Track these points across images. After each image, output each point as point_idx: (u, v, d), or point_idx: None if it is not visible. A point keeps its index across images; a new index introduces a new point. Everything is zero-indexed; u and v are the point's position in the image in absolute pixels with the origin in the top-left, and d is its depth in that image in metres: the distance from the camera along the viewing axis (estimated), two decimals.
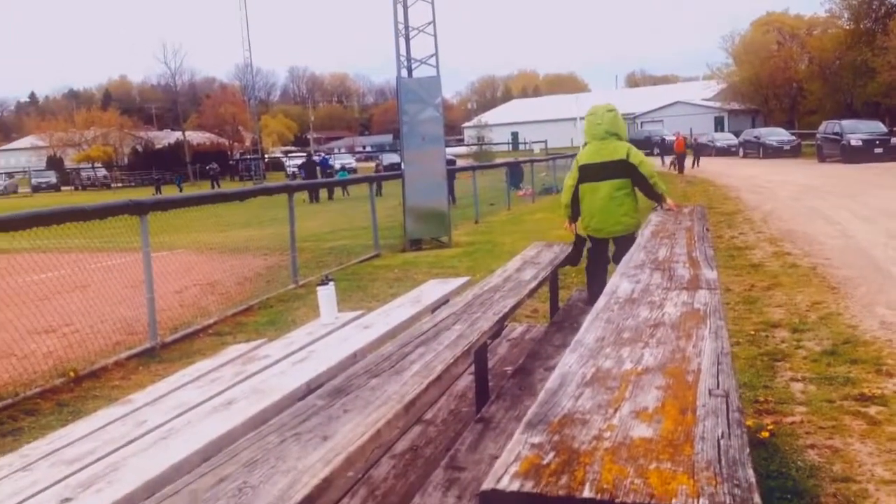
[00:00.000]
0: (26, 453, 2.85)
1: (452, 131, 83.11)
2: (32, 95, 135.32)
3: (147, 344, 6.87)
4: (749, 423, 4.31)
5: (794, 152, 40.10)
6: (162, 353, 6.80)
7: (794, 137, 42.26)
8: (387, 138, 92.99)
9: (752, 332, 6.22)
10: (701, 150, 38.67)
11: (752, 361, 5.48)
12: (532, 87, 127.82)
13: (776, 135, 42.77)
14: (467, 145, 71.50)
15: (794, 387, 4.96)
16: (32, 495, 2.37)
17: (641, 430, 1.32)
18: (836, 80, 48.47)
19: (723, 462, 1.18)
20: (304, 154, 50.52)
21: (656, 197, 5.78)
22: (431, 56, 14.34)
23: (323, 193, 31.78)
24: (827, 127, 34.76)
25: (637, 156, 5.71)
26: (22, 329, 6.98)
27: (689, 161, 35.61)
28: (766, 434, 4.15)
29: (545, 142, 64.51)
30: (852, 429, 4.21)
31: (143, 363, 6.50)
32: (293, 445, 2.01)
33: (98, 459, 2.63)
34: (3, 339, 6.73)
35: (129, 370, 6.32)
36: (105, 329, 7.43)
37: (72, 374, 6.02)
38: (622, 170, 5.64)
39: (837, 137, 32.83)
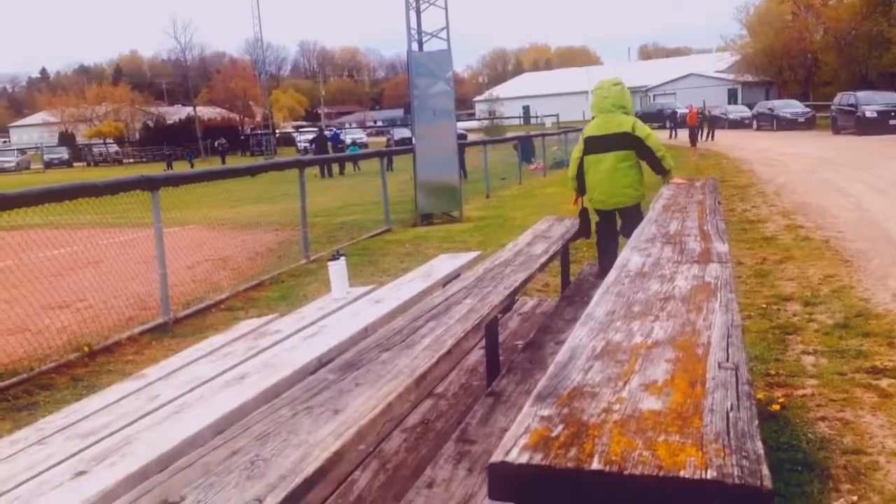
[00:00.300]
0: (42, 427, 2.88)
1: (463, 105, 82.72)
2: (44, 71, 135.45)
3: (160, 319, 6.92)
4: (760, 396, 4.31)
5: (809, 124, 39.71)
6: (174, 328, 6.84)
7: (808, 109, 41.84)
8: (398, 113, 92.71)
9: (764, 306, 6.21)
10: (714, 122, 38.22)
11: (764, 335, 5.47)
12: (543, 61, 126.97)
13: (790, 107, 42.35)
14: (478, 119, 71.19)
15: (805, 360, 4.95)
16: (48, 468, 2.40)
17: (650, 403, 1.32)
18: (852, 51, 47.85)
19: (731, 434, 1.18)
20: (315, 129, 50.41)
21: (663, 171, 5.78)
22: (442, 29, 14.24)
23: (334, 168, 31.74)
24: (842, 98, 34.37)
25: (643, 129, 5.73)
26: (36, 304, 7.04)
27: (703, 134, 35.38)
28: (777, 407, 4.15)
29: (557, 115, 64.11)
30: (863, 401, 4.20)
31: (156, 338, 6.55)
32: (305, 419, 2.02)
33: (112, 433, 2.66)
34: (18, 315, 6.79)
35: (143, 345, 6.36)
36: (118, 304, 7.47)
37: (86, 348, 6.07)
38: (626, 142, 5.64)
39: (852, 109, 32.46)
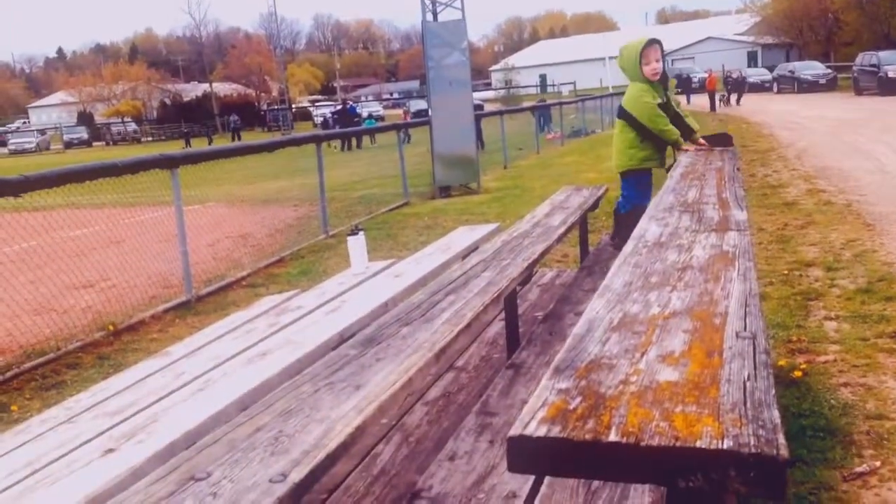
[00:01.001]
0: (70, 406, 2.94)
1: (480, 75, 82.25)
2: (60, 51, 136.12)
3: (182, 297, 6.99)
4: (782, 362, 4.31)
5: (830, 86, 39.14)
6: (197, 305, 6.92)
7: (829, 71, 41.22)
8: (414, 84, 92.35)
9: (786, 272, 6.17)
10: (741, 87, 37.18)
11: (786, 301, 5.44)
12: (560, 28, 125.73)
13: (811, 68, 41.76)
14: (495, 89, 70.77)
15: (827, 325, 4.93)
16: (77, 447, 2.45)
17: (667, 374, 1.33)
18: (873, 10, 46.96)
19: (748, 404, 1.18)
20: (334, 102, 50.28)
21: (665, 141, 5.42)
22: None
23: (351, 142, 31.74)
24: (863, 59, 33.82)
25: (629, 102, 5.45)
26: (60, 284, 7.14)
27: (732, 98, 34.74)
28: (799, 373, 4.14)
29: (574, 83, 63.61)
30: (886, 366, 4.19)
31: (179, 316, 6.63)
32: (327, 395, 2.05)
33: (139, 411, 2.71)
34: (43, 295, 6.89)
35: (166, 323, 6.44)
36: (141, 283, 7.56)
37: (111, 327, 6.15)
38: (623, 111, 5.62)
39: (874, 69, 31.96)
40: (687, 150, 5.28)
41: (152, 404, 2.78)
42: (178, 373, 3.14)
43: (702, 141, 5.44)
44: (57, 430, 2.66)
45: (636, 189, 5.59)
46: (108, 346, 5.89)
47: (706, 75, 36.18)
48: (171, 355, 3.51)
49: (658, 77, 5.34)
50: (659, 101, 5.38)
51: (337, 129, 29.76)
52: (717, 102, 33.09)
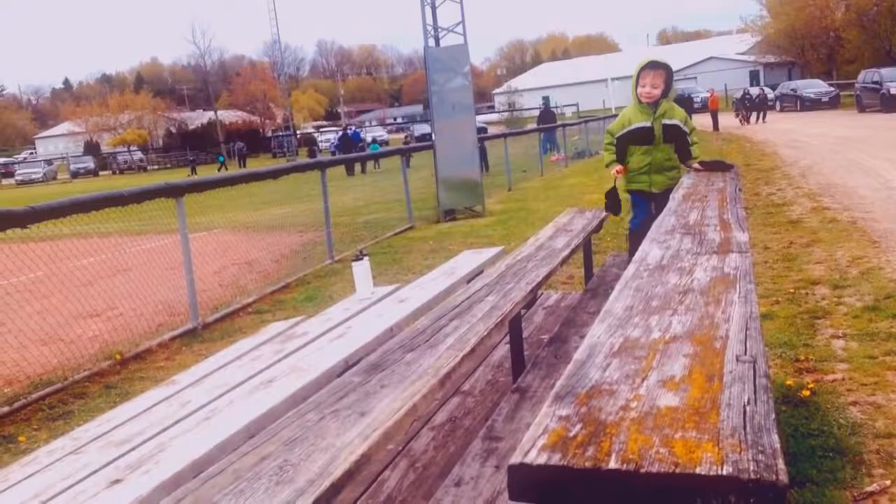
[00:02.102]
0: (77, 436, 2.95)
1: (483, 98, 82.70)
2: (66, 81, 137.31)
3: (189, 325, 7.01)
4: (789, 382, 4.29)
5: (833, 104, 39.22)
6: (204, 332, 6.93)
7: (832, 88, 41.31)
8: (417, 109, 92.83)
9: (792, 290, 6.16)
10: (764, 105, 36.10)
11: (792, 320, 5.43)
12: (562, 50, 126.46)
13: (814, 87, 41.88)
14: (498, 112, 71.07)
15: (835, 344, 4.92)
16: (84, 477, 2.46)
17: (668, 399, 1.33)
18: (875, 28, 47.16)
19: (748, 429, 1.19)
20: (337, 128, 50.69)
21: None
22: (458, 24, 14.23)
23: (356, 167, 31.89)
24: (866, 76, 33.90)
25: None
26: (67, 314, 7.17)
27: (752, 117, 34.51)
28: (807, 393, 4.12)
29: (577, 104, 63.85)
30: (895, 385, 4.17)
31: (185, 343, 6.64)
32: (332, 422, 2.06)
33: (146, 441, 2.72)
34: (51, 325, 6.91)
35: (173, 351, 6.45)
36: (147, 311, 7.59)
37: (118, 356, 6.17)
38: None
39: (877, 86, 32.02)
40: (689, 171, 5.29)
41: (159, 434, 2.78)
42: (184, 401, 3.15)
43: (697, 166, 5.27)
44: (64, 460, 2.67)
45: (632, 210, 5.67)
46: (115, 374, 5.90)
47: (708, 95, 36.18)
48: (178, 384, 3.52)
49: (651, 100, 5.21)
50: (642, 124, 5.27)
51: (340, 156, 30.00)
52: (752, 119, 32.94)
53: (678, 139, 5.32)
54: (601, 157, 6.12)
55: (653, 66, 5.25)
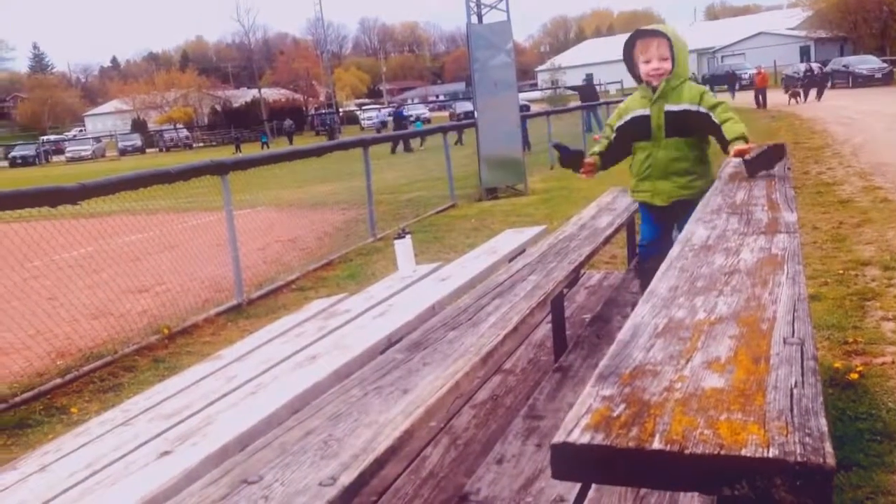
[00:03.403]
0: (127, 408, 3.02)
1: (525, 76, 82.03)
2: (114, 60, 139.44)
3: (234, 301, 7.12)
4: (837, 364, 4.23)
5: (886, 80, 38.21)
6: (248, 309, 7.03)
7: (885, 65, 40.23)
8: (460, 86, 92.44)
9: (841, 272, 6.05)
10: (825, 82, 34.41)
11: (841, 302, 5.34)
12: (606, 26, 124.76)
13: (866, 63, 40.83)
14: (541, 89, 70.48)
15: (884, 326, 4.82)
16: (134, 448, 2.52)
17: (713, 381, 1.32)
18: None
19: (794, 411, 1.18)
20: (380, 106, 51.13)
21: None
22: (501, 0, 14.12)
23: (398, 145, 32.02)
24: None
25: None
26: (117, 289, 7.33)
27: (811, 94, 33.11)
28: (855, 376, 4.06)
29: (621, 82, 62.90)
30: None
31: (231, 319, 6.75)
32: (375, 399, 2.08)
33: (193, 414, 2.77)
34: (101, 299, 7.07)
35: (219, 326, 6.56)
36: (194, 287, 7.71)
37: (165, 331, 6.29)
38: None
39: None
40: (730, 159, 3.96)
41: (205, 407, 2.84)
42: (230, 376, 3.21)
43: (741, 149, 3.67)
44: (114, 431, 2.74)
45: (640, 228, 4.49)
46: (163, 349, 6.03)
47: (755, 72, 35.24)
48: (224, 359, 3.58)
49: (664, 76, 3.95)
50: (638, 112, 4.07)
51: (385, 135, 30.42)
52: (808, 96, 31.82)
53: (697, 129, 3.98)
54: None
55: (649, 33, 4.05)
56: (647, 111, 4.00)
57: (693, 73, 59.73)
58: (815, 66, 37.27)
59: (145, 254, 8.99)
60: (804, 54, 61.37)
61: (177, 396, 3.05)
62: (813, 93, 33.34)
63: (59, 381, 5.33)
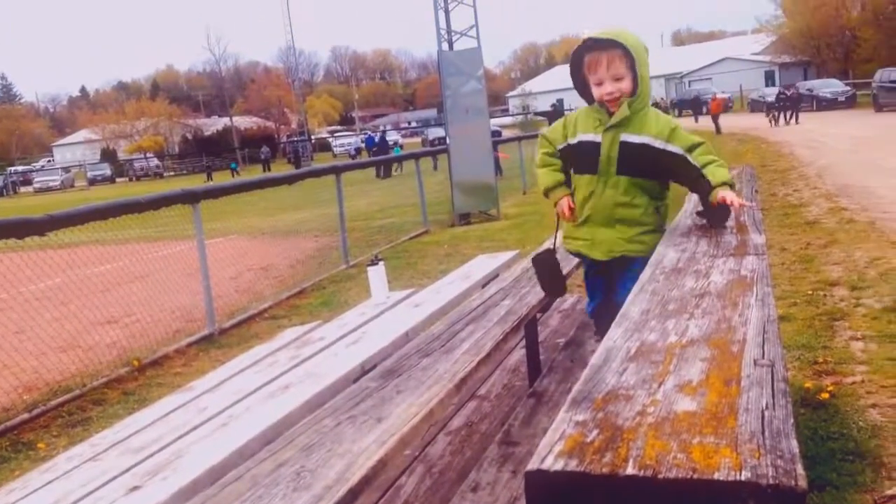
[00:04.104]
0: (96, 443, 2.97)
1: (496, 101, 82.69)
2: (83, 89, 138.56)
3: (205, 330, 7.04)
4: (808, 384, 4.26)
5: (850, 103, 38.95)
6: (220, 338, 6.96)
7: (848, 88, 41.04)
8: (431, 113, 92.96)
9: (810, 292, 6.12)
10: (798, 104, 33.58)
11: (811, 322, 5.39)
12: None
13: (830, 86, 41.62)
14: (512, 115, 71.02)
15: (854, 346, 4.88)
16: (103, 484, 2.48)
17: (685, 404, 1.33)
18: (891, 26, 46.80)
19: (766, 434, 1.18)
20: (352, 133, 51.53)
21: None
22: (471, 28, 14.26)
23: (372, 171, 32.12)
24: (882, 75, 33.56)
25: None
26: (85, 321, 7.22)
27: (783, 118, 32.84)
28: (825, 395, 4.09)
29: None
30: None
31: (202, 349, 6.67)
32: (348, 428, 2.06)
33: (163, 447, 2.73)
34: (69, 332, 6.96)
35: (190, 357, 6.49)
36: (165, 317, 7.63)
37: (135, 363, 6.20)
38: None
39: (894, 85, 31.76)
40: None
41: (176, 440, 2.80)
42: (201, 408, 3.17)
43: (734, 200, 2.91)
44: (83, 467, 2.69)
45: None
46: (133, 381, 5.94)
47: (711, 98, 35.51)
48: (195, 390, 3.54)
49: (618, 100, 3.07)
50: (586, 136, 3.18)
51: (360, 161, 30.88)
52: (781, 119, 31.86)
53: (657, 170, 3.15)
54: None
55: (601, 45, 3.11)
56: (597, 137, 3.13)
57: (662, 98, 60.71)
58: (790, 89, 37.27)
59: (115, 284, 8.87)
60: (769, 79, 62.46)
61: (147, 430, 3.00)
62: (788, 115, 33.02)
63: (26, 416, 5.23)
